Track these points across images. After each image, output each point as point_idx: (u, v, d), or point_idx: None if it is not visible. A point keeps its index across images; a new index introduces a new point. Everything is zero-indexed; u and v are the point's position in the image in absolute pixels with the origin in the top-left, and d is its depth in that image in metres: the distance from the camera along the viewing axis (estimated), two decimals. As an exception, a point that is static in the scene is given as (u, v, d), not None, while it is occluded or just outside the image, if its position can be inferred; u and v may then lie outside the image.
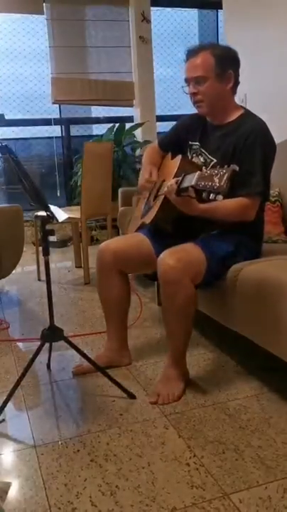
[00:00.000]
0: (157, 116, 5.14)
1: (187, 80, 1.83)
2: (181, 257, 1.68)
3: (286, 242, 2.35)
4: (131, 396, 1.77)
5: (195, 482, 1.32)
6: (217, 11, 5.42)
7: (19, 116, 4.95)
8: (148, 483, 1.32)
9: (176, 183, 1.62)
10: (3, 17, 4.69)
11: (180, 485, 1.31)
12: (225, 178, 1.42)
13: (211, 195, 1.45)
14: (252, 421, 1.60)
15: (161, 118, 5.17)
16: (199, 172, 1.52)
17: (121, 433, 1.56)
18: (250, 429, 1.55)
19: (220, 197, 1.45)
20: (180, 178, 1.61)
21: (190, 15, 5.50)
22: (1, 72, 4.82)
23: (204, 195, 1.48)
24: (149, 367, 2.03)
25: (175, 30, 5.42)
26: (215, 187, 1.43)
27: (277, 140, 2.65)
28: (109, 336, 2.04)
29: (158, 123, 5.14)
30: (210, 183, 1.45)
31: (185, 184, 1.57)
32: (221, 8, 3.84)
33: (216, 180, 1.44)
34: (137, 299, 2.69)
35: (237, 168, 1.46)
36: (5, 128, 4.89)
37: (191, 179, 1.53)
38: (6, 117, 4.85)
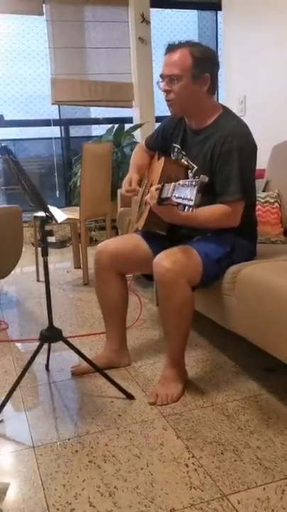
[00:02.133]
0: (156, 117, 5.14)
1: (162, 76, 1.79)
2: (177, 259, 1.68)
3: (285, 243, 2.35)
4: (130, 397, 1.77)
5: (194, 483, 1.32)
6: (217, 12, 5.42)
7: (18, 117, 4.95)
8: (147, 484, 1.32)
9: (156, 190, 1.63)
10: (2, 18, 4.69)
11: (178, 486, 1.31)
12: (195, 191, 1.42)
13: (185, 207, 1.45)
14: (251, 422, 1.60)
15: (160, 119, 5.17)
16: (173, 184, 1.52)
17: (119, 434, 1.56)
18: (248, 429, 1.55)
19: (194, 210, 1.45)
20: (160, 187, 1.60)
21: (190, 16, 5.51)
22: (1, 73, 4.82)
23: (179, 207, 1.49)
24: (148, 368, 2.03)
25: (174, 31, 5.42)
26: (187, 200, 1.44)
27: (275, 141, 2.68)
28: (108, 337, 2.04)
29: (157, 124, 5.13)
30: (183, 196, 1.45)
31: (164, 194, 1.58)
32: (220, 10, 3.84)
33: (188, 193, 1.44)
34: (137, 299, 2.69)
35: (206, 179, 1.46)
36: (4, 129, 4.89)
37: (168, 190, 1.54)
38: (6, 118, 4.86)
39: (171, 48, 1.77)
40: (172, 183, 1.53)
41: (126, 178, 2.04)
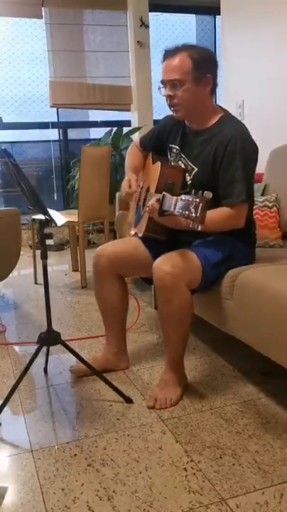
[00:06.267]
0: (154, 120, 5.15)
1: (163, 82, 1.78)
2: (176, 263, 1.68)
3: (283, 247, 2.36)
4: (128, 400, 1.77)
5: (192, 487, 1.32)
6: (215, 17, 5.45)
7: (17, 120, 4.95)
8: (145, 488, 1.32)
9: (157, 201, 1.64)
10: (2, 21, 4.70)
11: (177, 490, 1.31)
12: (199, 208, 1.43)
13: (190, 223, 1.47)
14: (249, 426, 1.60)
15: (158, 122, 5.18)
16: (176, 198, 1.54)
17: (118, 438, 1.56)
18: (247, 434, 1.55)
19: (199, 227, 1.46)
20: (161, 198, 1.62)
21: (188, 20, 5.53)
22: (0, 76, 4.82)
23: (184, 223, 1.51)
24: (146, 371, 2.03)
25: (173, 35, 5.44)
26: (192, 217, 1.45)
27: (273, 145, 2.69)
28: (107, 340, 2.04)
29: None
30: (187, 212, 1.47)
31: (166, 207, 1.59)
32: (219, 14, 3.86)
33: (192, 210, 1.45)
34: (135, 302, 2.69)
35: (210, 196, 1.46)
36: (3, 131, 4.89)
37: (170, 204, 1.55)
38: (4, 120, 4.86)
39: (169, 53, 1.76)
40: (175, 198, 1.54)
41: (125, 180, 2.03)
